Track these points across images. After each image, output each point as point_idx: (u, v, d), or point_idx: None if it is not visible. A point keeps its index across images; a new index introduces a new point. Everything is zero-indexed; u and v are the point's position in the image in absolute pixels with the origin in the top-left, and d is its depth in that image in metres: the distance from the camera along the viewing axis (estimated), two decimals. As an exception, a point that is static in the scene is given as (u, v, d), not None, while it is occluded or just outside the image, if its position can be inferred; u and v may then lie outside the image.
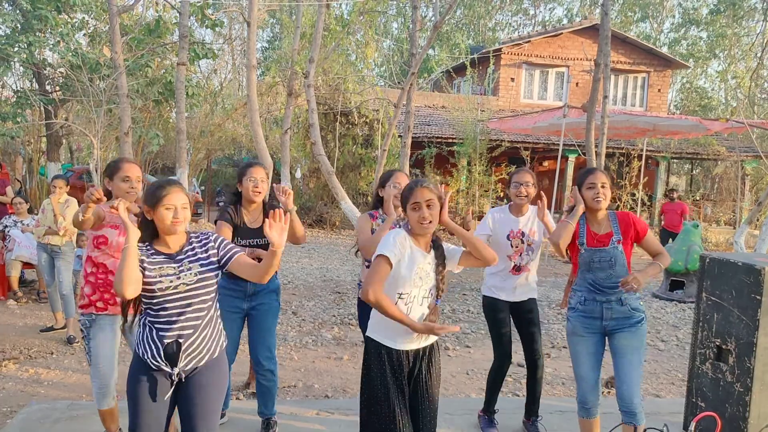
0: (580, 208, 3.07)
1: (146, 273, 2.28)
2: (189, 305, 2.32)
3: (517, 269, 3.61)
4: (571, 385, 4.85)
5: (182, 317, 2.31)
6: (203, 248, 2.41)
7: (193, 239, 2.43)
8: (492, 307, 3.71)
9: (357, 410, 2.66)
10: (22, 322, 6.38)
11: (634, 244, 3.17)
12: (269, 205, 3.47)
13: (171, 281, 2.29)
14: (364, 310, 3.46)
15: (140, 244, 2.33)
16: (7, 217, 7.39)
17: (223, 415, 3.64)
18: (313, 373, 5.09)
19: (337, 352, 5.70)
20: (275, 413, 3.62)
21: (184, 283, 2.31)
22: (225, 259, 2.41)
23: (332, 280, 9.31)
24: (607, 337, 3.12)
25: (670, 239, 11.23)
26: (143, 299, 2.34)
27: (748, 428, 3.28)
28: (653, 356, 5.90)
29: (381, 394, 2.49)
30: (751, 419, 3.28)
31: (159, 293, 2.28)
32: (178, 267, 2.33)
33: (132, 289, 2.19)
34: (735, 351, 3.37)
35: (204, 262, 2.38)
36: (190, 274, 2.33)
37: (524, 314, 3.71)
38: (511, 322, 3.73)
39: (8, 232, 7.17)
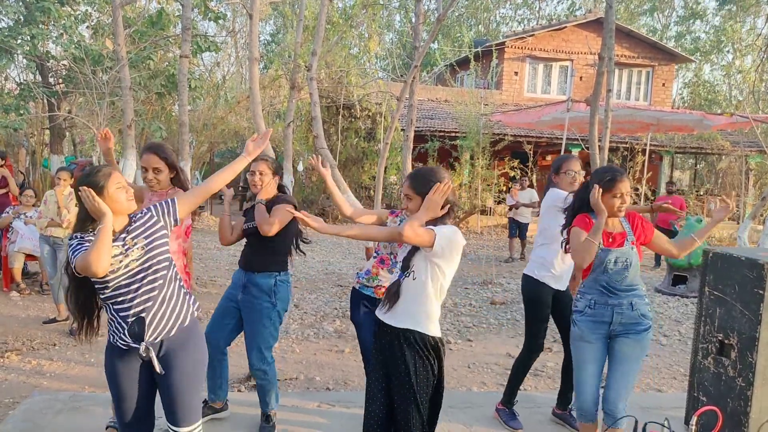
0: (603, 219, 2.89)
1: None
2: (143, 278, 2.29)
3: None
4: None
5: (139, 292, 2.29)
6: (145, 220, 2.37)
7: (133, 217, 2.39)
8: (537, 294, 3.65)
9: (358, 403, 2.67)
10: (25, 313, 6.40)
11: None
12: (279, 199, 3.43)
13: (120, 260, 2.26)
14: (356, 300, 3.48)
15: (89, 233, 2.30)
16: (11, 208, 7.39)
17: (220, 408, 3.64)
18: (315, 366, 5.10)
19: (339, 344, 5.71)
20: (274, 407, 3.62)
21: (133, 260, 2.28)
22: (171, 208, 2.40)
23: (334, 273, 9.32)
24: (609, 340, 3.03)
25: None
26: (96, 286, 2.31)
27: (750, 423, 3.28)
28: (655, 351, 5.89)
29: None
30: (752, 414, 3.28)
31: (111, 276, 2.25)
32: (123, 246, 2.28)
33: (104, 264, 2.16)
34: (737, 346, 3.36)
35: (149, 232, 2.34)
36: (137, 249, 2.29)
37: (567, 302, 3.68)
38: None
39: (11, 223, 7.18)
